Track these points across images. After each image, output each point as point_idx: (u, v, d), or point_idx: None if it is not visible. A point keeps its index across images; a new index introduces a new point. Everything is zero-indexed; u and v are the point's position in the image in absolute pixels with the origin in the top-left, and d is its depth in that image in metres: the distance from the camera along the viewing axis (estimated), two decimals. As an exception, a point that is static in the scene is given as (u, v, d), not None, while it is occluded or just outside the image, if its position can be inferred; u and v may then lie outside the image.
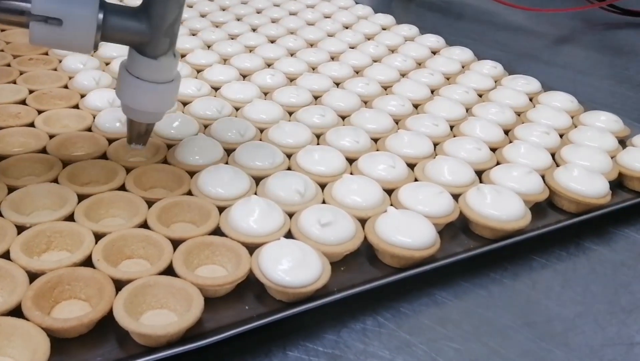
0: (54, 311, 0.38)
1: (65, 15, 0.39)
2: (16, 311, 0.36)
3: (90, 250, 0.41)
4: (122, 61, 0.45)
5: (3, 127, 0.55)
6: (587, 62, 0.93)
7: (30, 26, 0.39)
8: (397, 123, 0.62)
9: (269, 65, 0.74)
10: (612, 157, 0.58)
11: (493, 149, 0.58)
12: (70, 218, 0.44)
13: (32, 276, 0.38)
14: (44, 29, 0.39)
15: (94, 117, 0.58)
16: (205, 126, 0.59)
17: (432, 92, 0.71)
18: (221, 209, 0.46)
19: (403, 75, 0.75)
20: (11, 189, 0.47)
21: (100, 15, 0.40)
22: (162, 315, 0.38)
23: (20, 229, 0.42)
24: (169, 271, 0.40)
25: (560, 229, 0.50)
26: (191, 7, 0.91)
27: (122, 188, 0.48)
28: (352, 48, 0.82)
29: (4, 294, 0.38)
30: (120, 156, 0.52)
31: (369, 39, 0.86)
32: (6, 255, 0.40)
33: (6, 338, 0.35)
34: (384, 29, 0.91)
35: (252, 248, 0.42)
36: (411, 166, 0.54)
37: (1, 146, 0.53)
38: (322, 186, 0.50)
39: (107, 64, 0.71)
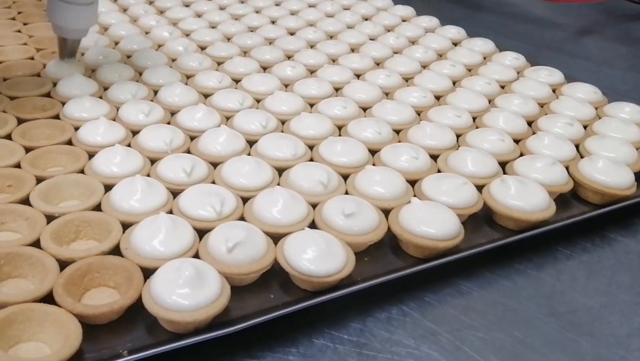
0: (83, 298, 0.39)
1: None
2: (48, 298, 0.37)
3: (118, 239, 0.41)
4: None
5: (29, 119, 0.56)
6: (610, 54, 0.92)
7: None
8: (419, 115, 0.62)
9: (289, 57, 0.75)
10: (637, 149, 0.57)
11: (516, 141, 0.58)
12: (97, 207, 0.45)
13: (62, 264, 0.39)
14: None
15: (117, 110, 0.59)
16: (227, 118, 0.59)
17: (454, 83, 0.70)
18: (245, 200, 0.47)
19: (424, 66, 0.74)
20: (39, 180, 0.47)
21: None
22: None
23: (50, 218, 0.43)
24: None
25: (584, 221, 0.50)
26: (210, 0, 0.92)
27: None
28: (372, 40, 0.82)
29: (35, 282, 0.39)
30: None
31: (389, 31, 0.86)
32: (37, 244, 0.41)
33: (39, 325, 0.35)
34: (403, 21, 0.91)
35: (276, 238, 0.42)
36: (434, 158, 0.54)
37: (28, 138, 0.53)
38: (345, 177, 0.51)
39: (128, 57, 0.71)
